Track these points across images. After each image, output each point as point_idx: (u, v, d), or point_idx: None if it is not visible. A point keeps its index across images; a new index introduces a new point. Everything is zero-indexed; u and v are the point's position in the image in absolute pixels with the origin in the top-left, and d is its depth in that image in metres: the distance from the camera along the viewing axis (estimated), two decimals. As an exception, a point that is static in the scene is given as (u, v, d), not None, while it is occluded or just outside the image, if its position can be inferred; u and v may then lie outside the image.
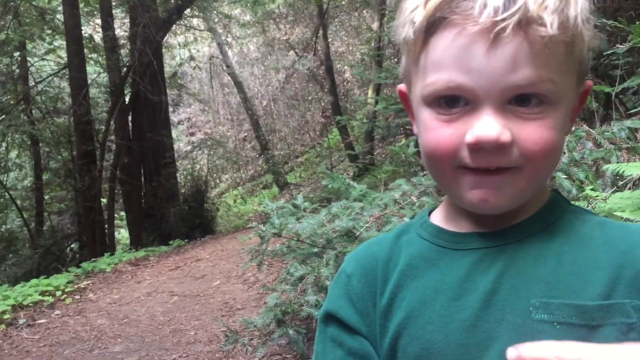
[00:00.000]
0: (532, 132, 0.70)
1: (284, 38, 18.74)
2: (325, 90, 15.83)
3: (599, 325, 0.68)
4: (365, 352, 0.80)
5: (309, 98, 20.26)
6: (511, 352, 0.54)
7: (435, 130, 0.74)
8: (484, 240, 0.78)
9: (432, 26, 0.72)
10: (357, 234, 3.31)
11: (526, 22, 0.67)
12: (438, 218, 0.86)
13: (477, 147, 0.70)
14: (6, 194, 13.41)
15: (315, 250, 3.55)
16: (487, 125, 0.69)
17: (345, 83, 18.97)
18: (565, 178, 2.70)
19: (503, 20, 0.66)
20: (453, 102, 0.72)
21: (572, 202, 0.84)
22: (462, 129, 0.71)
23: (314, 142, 19.83)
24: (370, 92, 12.26)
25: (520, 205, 0.77)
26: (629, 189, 2.61)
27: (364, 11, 15.69)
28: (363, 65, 14.98)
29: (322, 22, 13.29)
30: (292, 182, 16.82)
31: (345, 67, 18.20)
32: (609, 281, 0.70)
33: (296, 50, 18.04)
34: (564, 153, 2.87)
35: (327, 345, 0.83)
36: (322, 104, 18.85)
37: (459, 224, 0.82)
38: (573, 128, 3.03)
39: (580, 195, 2.58)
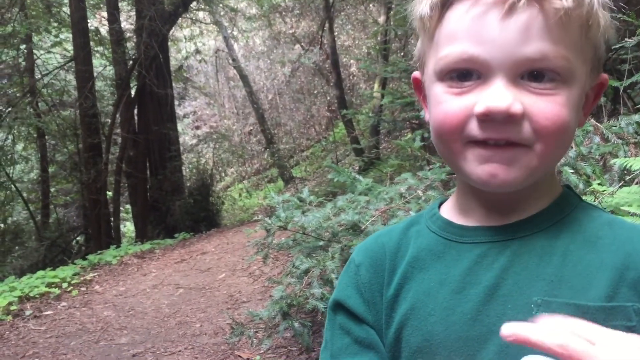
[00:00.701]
0: (544, 107, 0.69)
1: (290, 32, 18.69)
2: (331, 84, 15.79)
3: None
4: (371, 341, 0.81)
5: (315, 92, 20.23)
6: (506, 328, 0.53)
7: (445, 103, 0.73)
8: (491, 234, 0.77)
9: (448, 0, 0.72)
10: (363, 227, 3.30)
11: None
12: (447, 210, 0.86)
13: (488, 118, 0.69)
14: (12, 186, 13.46)
15: (321, 243, 3.55)
16: (498, 95, 0.68)
17: (351, 77, 18.91)
18: (573, 172, 2.69)
19: None
20: (465, 76, 0.71)
21: (583, 198, 0.83)
22: (472, 101, 0.70)
23: (320, 136, 19.82)
24: (376, 86, 12.24)
25: (529, 199, 0.77)
26: (637, 183, 2.59)
27: (370, 4, 15.62)
28: (369, 59, 14.96)
29: (328, 15, 13.25)
30: (298, 176, 16.82)
31: (352, 60, 18.14)
32: (612, 283, 0.69)
33: (302, 43, 17.99)
34: (571, 147, 2.86)
35: (335, 332, 0.84)
36: (328, 98, 18.81)
37: (468, 217, 0.82)
38: (580, 122, 3.03)
39: (588, 189, 2.57)
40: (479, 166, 0.72)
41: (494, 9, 0.68)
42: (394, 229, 0.89)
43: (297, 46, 18.59)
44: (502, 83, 0.69)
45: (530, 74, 0.69)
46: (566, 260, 0.72)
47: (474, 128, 0.71)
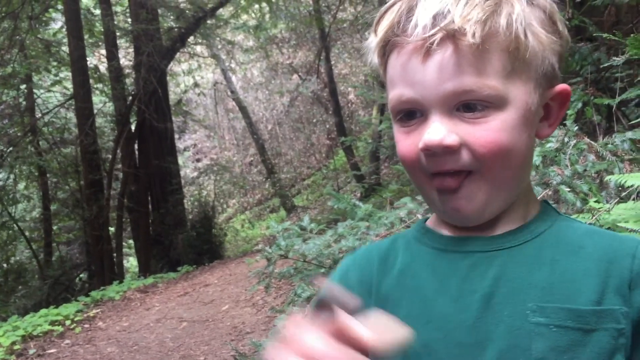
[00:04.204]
0: (479, 135, 0.74)
1: (287, 62, 18.87)
2: (330, 112, 15.90)
3: (593, 329, 0.71)
4: None
5: (314, 120, 20.35)
6: None
7: (400, 142, 0.81)
8: (480, 245, 0.81)
9: (385, 50, 0.80)
10: (363, 253, 3.30)
11: (452, 35, 0.72)
12: (433, 225, 0.90)
13: (429, 152, 0.75)
14: (15, 225, 13.46)
15: (322, 270, 3.54)
16: (432, 131, 0.74)
17: (349, 104, 19.05)
18: (569, 191, 2.69)
19: (431, 35, 0.72)
20: (411, 115, 0.78)
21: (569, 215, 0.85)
22: (418, 138, 0.77)
23: (320, 164, 19.87)
24: (374, 112, 12.33)
25: (509, 214, 0.81)
26: (633, 199, 2.60)
27: (366, 33, 15.76)
28: (366, 86, 15.07)
29: (324, 45, 13.39)
30: (299, 205, 16.81)
31: (349, 88, 18.29)
32: (598, 288, 0.73)
33: (299, 73, 18.15)
34: (567, 166, 2.87)
35: None
36: (327, 126, 18.93)
37: (454, 228, 0.86)
38: (574, 141, 3.04)
39: (585, 207, 2.58)
40: (442, 205, 0.80)
41: (415, 55, 0.75)
42: (380, 242, 0.94)
43: (295, 76, 18.77)
44: (437, 118, 0.75)
45: (464, 105, 0.74)
46: (554, 269, 0.76)
47: (424, 162, 0.77)
